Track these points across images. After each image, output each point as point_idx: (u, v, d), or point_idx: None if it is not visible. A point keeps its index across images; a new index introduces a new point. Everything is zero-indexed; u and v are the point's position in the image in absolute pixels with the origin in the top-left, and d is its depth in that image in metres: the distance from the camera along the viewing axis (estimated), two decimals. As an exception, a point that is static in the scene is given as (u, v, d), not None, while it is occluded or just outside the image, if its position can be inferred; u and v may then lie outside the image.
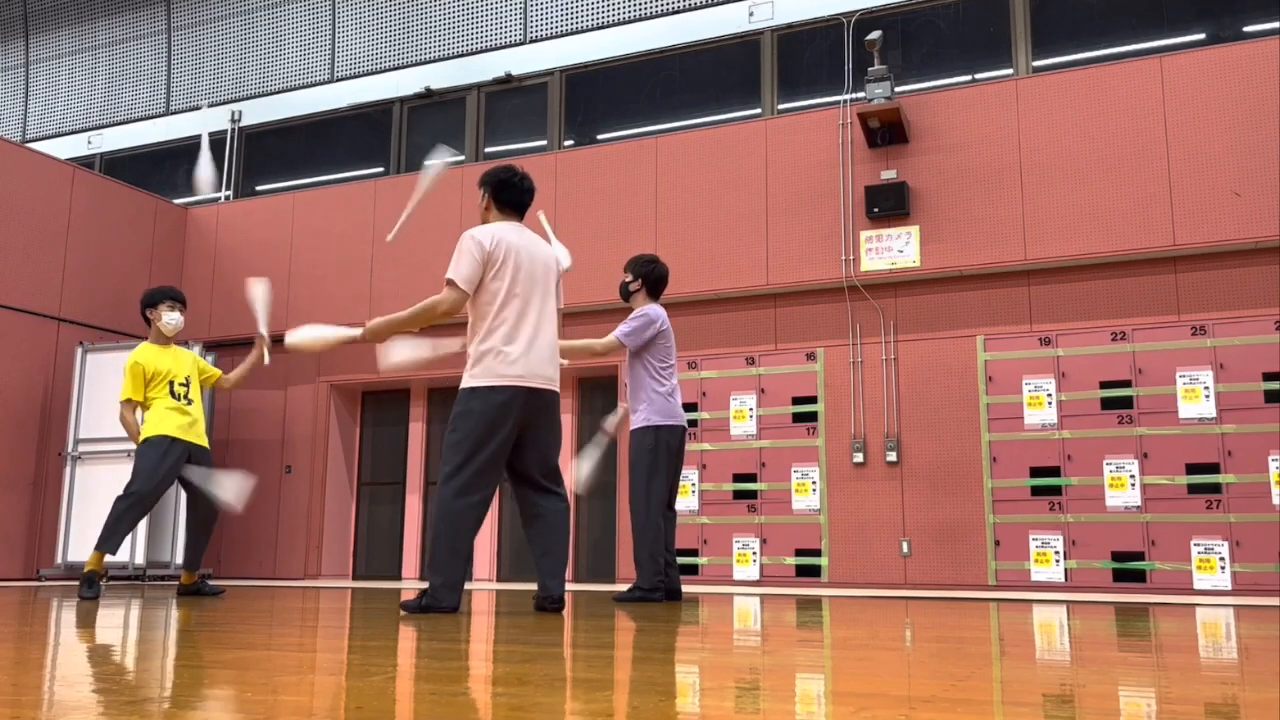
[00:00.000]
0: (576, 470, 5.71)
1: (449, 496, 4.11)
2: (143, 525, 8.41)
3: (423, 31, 10.89)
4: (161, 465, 5.74)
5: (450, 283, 4.18)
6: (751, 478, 8.20)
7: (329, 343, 4.36)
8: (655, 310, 5.42)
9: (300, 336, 4.37)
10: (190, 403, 5.96)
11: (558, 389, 4.35)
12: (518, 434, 4.21)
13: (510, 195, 4.44)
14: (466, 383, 4.21)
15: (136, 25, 12.50)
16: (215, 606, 4.76)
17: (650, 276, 5.56)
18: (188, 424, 5.90)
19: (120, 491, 5.73)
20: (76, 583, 8.43)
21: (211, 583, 6.42)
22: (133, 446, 5.87)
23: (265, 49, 11.70)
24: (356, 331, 4.32)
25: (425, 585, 4.26)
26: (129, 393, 5.85)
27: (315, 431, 10.00)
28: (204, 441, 6.00)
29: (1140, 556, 7.12)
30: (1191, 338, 7.23)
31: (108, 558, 5.70)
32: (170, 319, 6.00)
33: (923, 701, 1.68)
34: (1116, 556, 7.18)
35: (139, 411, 5.93)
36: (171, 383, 5.90)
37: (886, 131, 8.11)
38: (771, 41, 9.38)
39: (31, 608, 4.65)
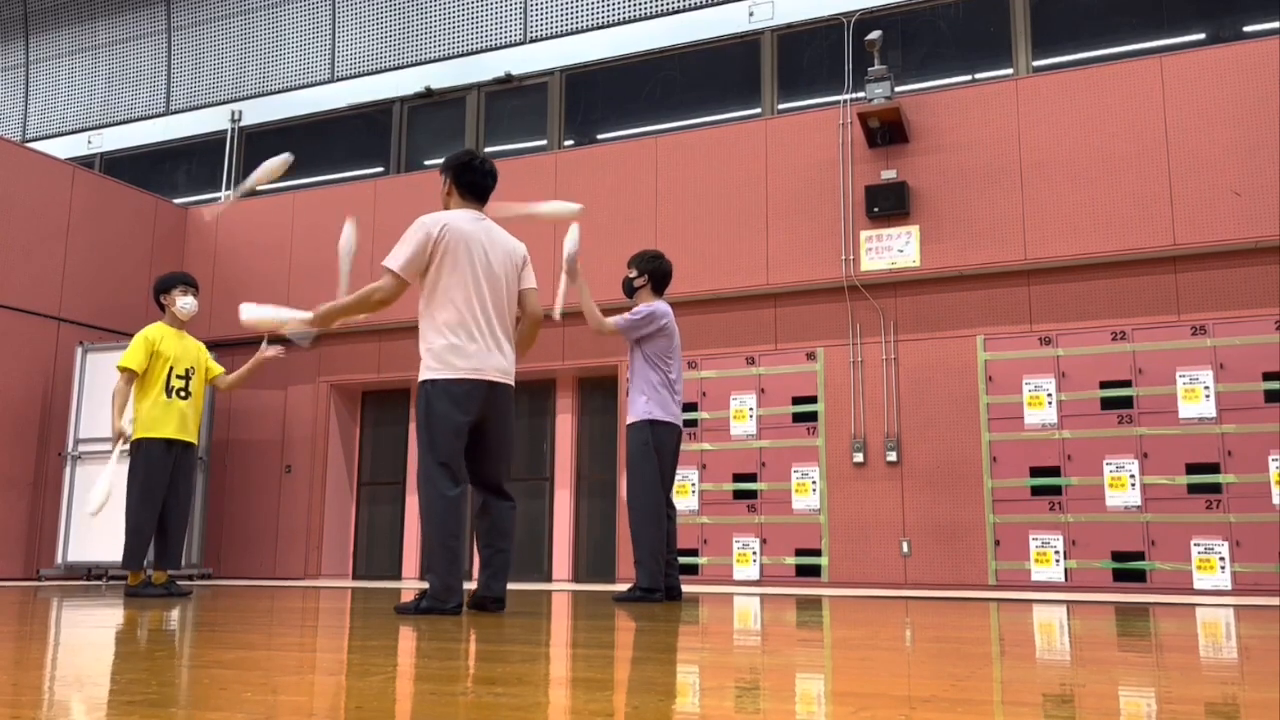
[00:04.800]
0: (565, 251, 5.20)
1: (431, 494, 4.08)
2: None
3: (423, 31, 10.89)
4: (156, 473, 5.73)
5: (386, 269, 4.13)
6: (751, 478, 8.20)
7: (280, 323, 4.31)
8: (661, 307, 5.42)
9: (251, 314, 4.31)
10: (187, 396, 5.93)
11: (512, 381, 4.31)
12: (476, 426, 4.18)
13: (471, 179, 4.35)
14: (425, 375, 4.17)
15: (136, 25, 12.50)
16: (216, 606, 4.76)
17: (655, 272, 5.57)
18: (181, 420, 5.87)
19: (125, 504, 5.75)
20: (76, 582, 8.43)
21: (182, 583, 6.40)
22: (124, 447, 5.78)
23: (265, 49, 11.70)
24: (307, 315, 4.25)
25: (425, 586, 4.25)
26: (129, 360, 5.76)
27: (315, 431, 10.00)
28: (193, 438, 5.98)
29: (1140, 556, 7.12)
30: (1191, 337, 7.23)
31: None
32: (185, 303, 6.01)
33: (923, 701, 1.68)
34: (1116, 556, 7.17)
35: (130, 400, 5.82)
36: (170, 370, 5.85)
37: (886, 131, 8.11)
38: (771, 41, 9.37)
39: (31, 608, 4.64)
